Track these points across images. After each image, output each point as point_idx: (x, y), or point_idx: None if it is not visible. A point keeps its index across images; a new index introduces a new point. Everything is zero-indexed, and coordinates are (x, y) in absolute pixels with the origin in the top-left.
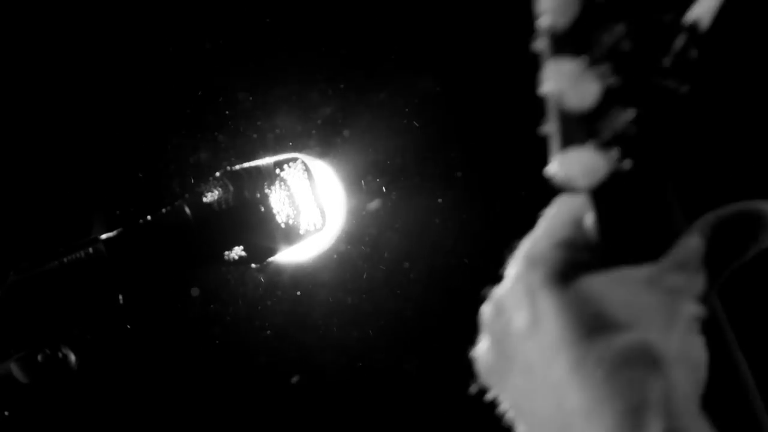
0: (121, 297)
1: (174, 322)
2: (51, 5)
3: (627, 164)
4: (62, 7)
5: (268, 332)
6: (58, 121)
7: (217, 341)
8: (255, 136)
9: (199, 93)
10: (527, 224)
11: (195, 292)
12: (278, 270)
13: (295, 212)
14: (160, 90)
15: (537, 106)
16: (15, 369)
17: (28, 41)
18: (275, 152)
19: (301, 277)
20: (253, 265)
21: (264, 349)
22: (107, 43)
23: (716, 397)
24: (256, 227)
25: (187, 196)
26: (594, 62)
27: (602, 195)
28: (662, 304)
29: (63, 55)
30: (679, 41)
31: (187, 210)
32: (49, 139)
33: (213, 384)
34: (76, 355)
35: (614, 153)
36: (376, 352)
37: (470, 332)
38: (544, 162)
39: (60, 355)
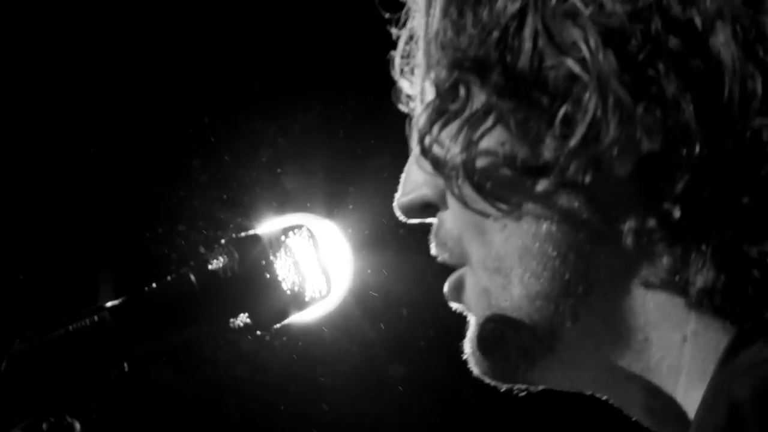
0: (126, 365)
1: (179, 387)
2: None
3: None
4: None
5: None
6: (65, 186)
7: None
8: (261, 195)
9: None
10: None
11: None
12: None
13: (300, 279)
14: (166, 154)
15: None
16: None
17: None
18: (281, 212)
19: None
20: (258, 332)
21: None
22: (115, 98)
23: None
24: (262, 294)
25: (192, 263)
26: None
27: None
28: None
29: (72, 111)
30: None
31: (192, 277)
32: (55, 205)
33: None
34: (80, 424)
35: None
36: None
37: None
38: None
39: (65, 424)
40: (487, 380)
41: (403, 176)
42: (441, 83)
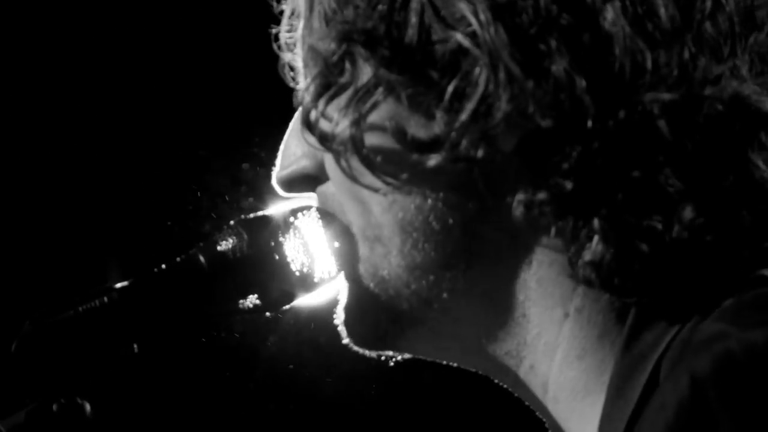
0: (135, 346)
1: (189, 368)
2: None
3: None
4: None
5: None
6: (76, 169)
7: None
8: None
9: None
10: None
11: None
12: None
13: (309, 260)
14: (178, 134)
15: None
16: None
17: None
18: (290, 199)
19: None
20: (267, 313)
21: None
22: (130, 91)
23: None
24: (271, 276)
25: (201, 244)
26: None
27: None
28: None
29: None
30: None
31: (202, 258)
32: (66, 187)
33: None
34: (90, 404)
35: None
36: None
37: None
38: None
39: (75, 404)
40: (356, 347)
41: (280, 149)
42: (328, 56)
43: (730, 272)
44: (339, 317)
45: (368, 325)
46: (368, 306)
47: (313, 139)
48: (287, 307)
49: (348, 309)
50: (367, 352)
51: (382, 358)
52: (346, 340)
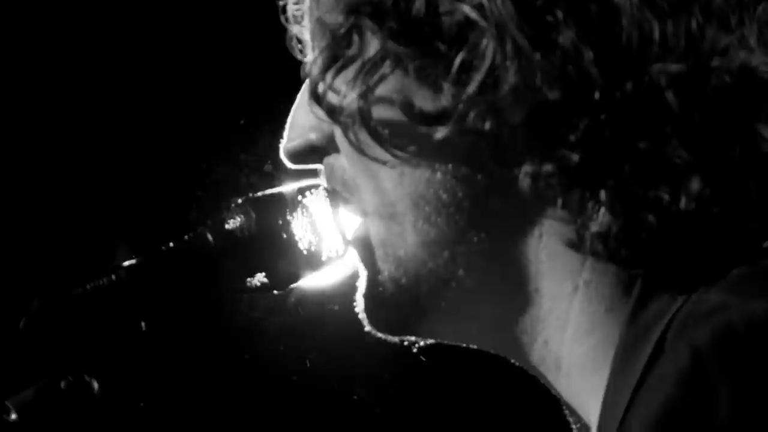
0: (143, 324)
1: (198, 348)
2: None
3: None
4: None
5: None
6: (84, 149)
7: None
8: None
9: (241, 121)
10: None
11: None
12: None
13: (317, 239)
14: (186, 117)
15: None
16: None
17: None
18: (298, 179)
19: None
20: (275, 292)
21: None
22: (136, 79)
23: None
24: (278, 254)
25: (209, 222)
26: None
27: None
28: None
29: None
30: None
31: (209, 237)
32: (73, 167)
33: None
34: (98, 382)
35: None
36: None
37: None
38: None
39: (83, 382)
40: (378, 334)
41: (288, 122)
42: (335, 29)
43: (736, 244)
44: (359, 305)
45: (390, 311)
46: (389, 292)
47: (321, 112)
48: (294, 285)
49: (368, 296)
50: (389, 338)
51: (404, 343)
52: (367, 328)
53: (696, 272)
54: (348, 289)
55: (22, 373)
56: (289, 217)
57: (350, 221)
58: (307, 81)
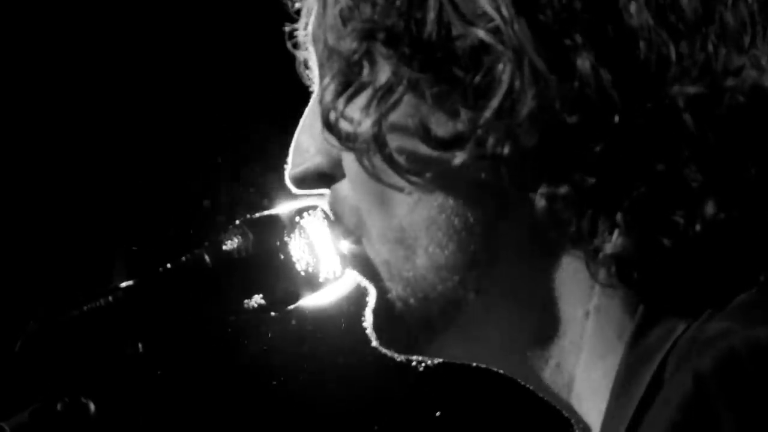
0: (140, 345)
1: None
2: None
3: None
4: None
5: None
6: (83, 169)
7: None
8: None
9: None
10: None
11: None
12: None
13: (314, 260)
14: (183, 137)
15: None
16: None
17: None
18: (295, 199)
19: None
20: (272, 313)
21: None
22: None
23: None
24: (276, 275)
25: (206, 244)
26: None
27: None
28: None
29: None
30: None
31: (207, 258)
32: (72, 188)
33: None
34: (95, 403)
35: None
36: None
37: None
38: None
39: (79, 404)
40: (386, 351)
41: (292, 146)
42: (348, 55)
43: (745, 269)
44: (368, 320)
45: (400, 331)
46: (399, 311)
47: (333, 139)
48: (292, 306)
49: (377, 313)
50: (396, 356)
51: (413, 363)
52: (375, 343)
53: (700, 297)
54: (353, 305)
55: (18, 394)
56: (286, 239)
57: (348, 244)
58: (309, 105)
